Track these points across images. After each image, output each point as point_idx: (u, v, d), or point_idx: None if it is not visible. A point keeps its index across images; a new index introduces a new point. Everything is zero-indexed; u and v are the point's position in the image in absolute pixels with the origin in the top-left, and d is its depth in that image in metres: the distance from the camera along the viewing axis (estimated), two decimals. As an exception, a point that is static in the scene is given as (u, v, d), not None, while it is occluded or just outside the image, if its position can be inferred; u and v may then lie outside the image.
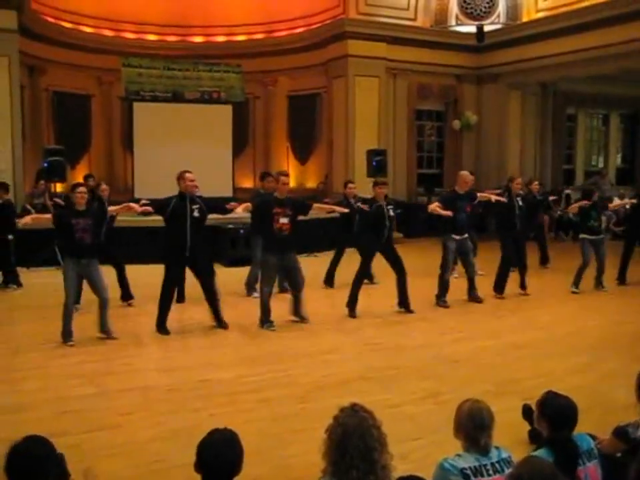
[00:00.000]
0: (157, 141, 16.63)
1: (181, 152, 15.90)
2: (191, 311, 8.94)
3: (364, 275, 9.11)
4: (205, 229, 8.90)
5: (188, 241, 7.77)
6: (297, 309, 8.37)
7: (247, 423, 4.81)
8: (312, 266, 11.76)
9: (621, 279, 10.80)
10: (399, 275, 8.88)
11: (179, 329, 8.00)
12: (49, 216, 8.05)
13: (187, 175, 7.86)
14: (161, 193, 8.12)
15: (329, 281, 10.74)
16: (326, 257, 11.55)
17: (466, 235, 9.42)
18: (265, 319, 8.10)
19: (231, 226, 12.75)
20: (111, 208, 8.21)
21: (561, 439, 3.20)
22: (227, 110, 17.75)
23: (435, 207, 9.29)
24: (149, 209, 7.80)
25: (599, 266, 10.29)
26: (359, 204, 9.44)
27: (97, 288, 7.44)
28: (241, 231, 12.48)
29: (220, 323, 8.04)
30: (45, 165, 12.81)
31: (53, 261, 11.52)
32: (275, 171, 11.81)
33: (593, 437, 3.84)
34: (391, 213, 8.83)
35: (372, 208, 8.78)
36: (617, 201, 12.74)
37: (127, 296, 9.32)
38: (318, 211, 9.30)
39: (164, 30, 18.88)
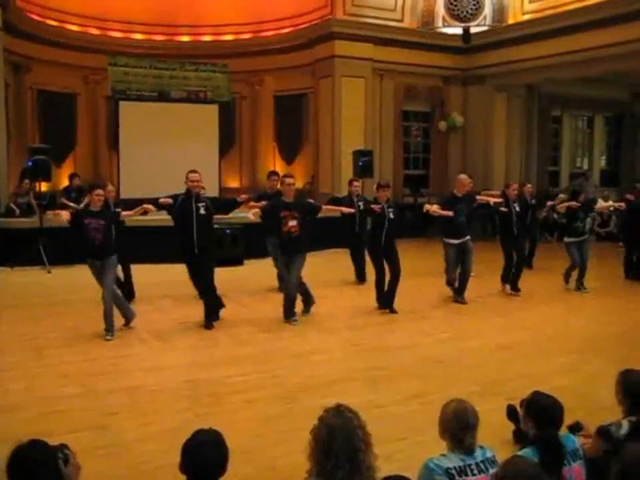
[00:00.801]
0: (143, 141, 16.56)
1: (167, 151, 15.87)
2: (178, 311, 8.93)
3: (377, 273, 9.17)
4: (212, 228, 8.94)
5: (195, 239, 7.86)
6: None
7: (233, 423, 4.82)
8: (308, 265, 11.79)
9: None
10: (394, 277, 8.95)
11: (165, 328, 7.98)
12: (66, 213, 8.01)
13: (190, 175, 7.99)
14: (147, 192, 8.11)
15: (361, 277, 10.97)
16: (327, 256, 11.58)
17: (467, 237, 9.51)
18: (293, 312, 8.33)
19: (216, 226, 12.69)
20: (125, 212, 8.16)
21: (546, 438, 3.24)
22: (214, 110, 17.69)
23: (435, 208, 9.35)
24: (169, 200, 7.90)
25: (581, 267, 10.38)
26: (360, 203, 9.51)
27: (103, 287, 7.57)
28: (227, 231, 12.46)
29: (208, 323, 8.04)
30: (30, 164, 12.73)
31: (37, 260, 11.49)
32: (265, 171, 11.84)
33: (580, 428, 3.89)
34: (392, 215, 8.90)
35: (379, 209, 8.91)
36: (602, 203, 12.83)
37: (129, 295, 9.25)
38: (327, 212, 9.37)
39: (151, 29, 18.78)
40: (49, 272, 11.50)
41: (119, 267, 8.70)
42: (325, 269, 10.83)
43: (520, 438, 4.40)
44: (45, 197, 13.40)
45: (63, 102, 17.98)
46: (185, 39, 19.22)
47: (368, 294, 9.37)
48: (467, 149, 18.93)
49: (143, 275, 9.77)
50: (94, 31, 18.10)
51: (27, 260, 11.59)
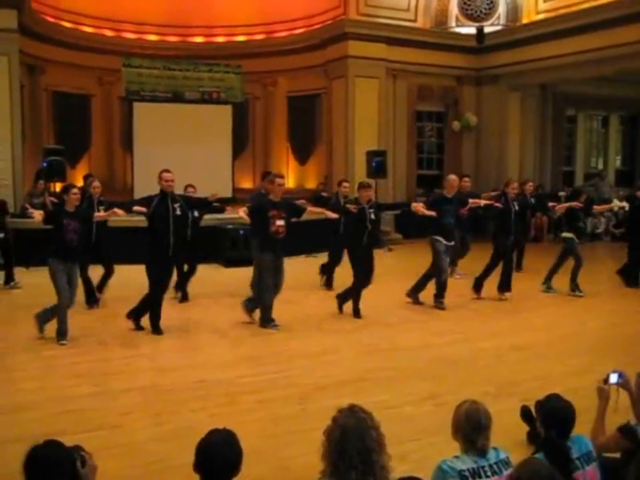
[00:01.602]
0: (156, 141, 16.62)
1: (181, 152, 15.91)
2: (190, 310, 8.96)
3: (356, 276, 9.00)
4: (197, 228, 8.89)
5: (171, 240, 7.73)
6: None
7: (246, 423, 4.82)
8: (307, 267, 11.79)
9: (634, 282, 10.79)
10: (364, 280, 8.73)
11: (178, 328, 8.00)
12: (39, 212, 7.98)
13: (164, 174, 7.84)
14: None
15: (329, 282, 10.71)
16: (321, 259, 11.56)
17: (452, 242, 9.42)
18: (268, 319, 8.13)
19: (230, 226, 12.76)
20: (96, 215, 8.21)
21: (552, 442, 3.20)
22: (227, 110, 17.74)
23: (418, 207, 9.13)
24: (143, 209, 7.75)
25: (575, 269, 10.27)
26: (347, 205, 9.40)
27: (72, 290, 7.45)
28: (241, 232, 12.49)
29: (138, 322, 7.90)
30: (45, 164, 12.81)
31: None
32: (274, 171, 11.77)
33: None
34: (373, 216, 8.75)
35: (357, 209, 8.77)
36: (617, 203, 12.70)
37: (95, 297, 9.16)
38: (311, 214, 9.24)
39: (164, 30, 18.88)
40: None
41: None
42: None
43: (534, 439, 4.37)
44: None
45: (77, 103, 18.12)
46: (198, 40, 19.29)
47: (377, 295, 9.27)
48: (481, 149, 18.85)
49: (143, 274, 9.79)
50: (108, 33, 18.22)
51: (42, 260, 11.63)
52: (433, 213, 9.02)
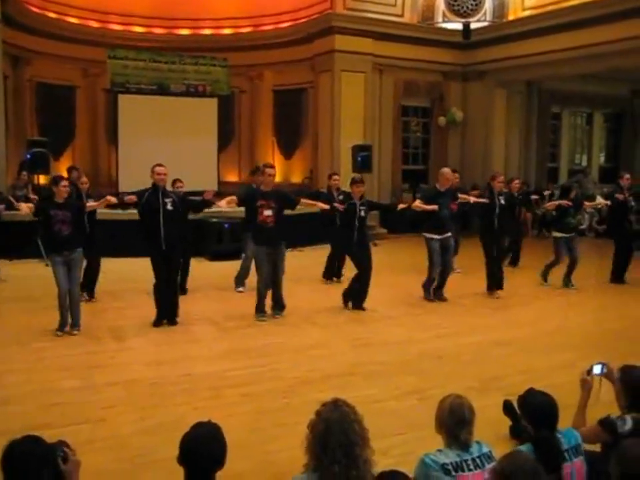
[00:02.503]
0: (141, 134, 16.56)
1: (166, 145, 15.86)
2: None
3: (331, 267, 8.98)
4: (186, 223, 8.88)
5: (162, 234, 7.72)
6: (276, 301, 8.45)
7: (231, 417, 4.82)
8: (296, 260, 11.81)
9: (618, 278, 10.83)
10: (364, 275, 8.75)
11: (163, 323, 7.97)
12: (31, 205, 7.98)
13: (157, 168, 7.84)
14: (145, 185, 8.07)
15: (329, 275, 10.73)
16: (310, 252, 11.58)
17: (448, 234, 9.39)
18: (258, 308, 8.20)
19: (215, 220, 12.73)
20: (89, 204, 8.19)
21: (542, 438, 3.23)
22: (213, 103, 17.71)
23: (417, 203, 9.25)
24: (134, 198, 7.76)
25: (571, 263, 10.33)
26: (340, 197, 9.40)
27: (70, 280, 7.42)
28: (226, 225, 12.47)
29: (171, 320, 7.94)
30: (28, 156, 12.72)
31: (36, 253, 11.46)
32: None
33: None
34: (363, 213, 8.76)
35: (345, 206, 8.79)
36: (600, 200, 12.77)
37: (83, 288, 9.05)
38: (303, 206, 9.26)
39: (150, 22, 18.77)
40: (47, 265, 11.44)
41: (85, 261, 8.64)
42: (319, 264, 10.82)
43: (516, 433, 4.41)
44: (44, 189, 13.37)
45: (61, 95, 17.98)
46: (185, 32, 19.20)
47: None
48: (466, 145, 18.92)
49: (142, 268, 9.77)
50: (93, 24, 18.09)
51: (25, 253, 11.57)
52: (435, 207, 9.04)
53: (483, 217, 10.00)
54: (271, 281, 8.31)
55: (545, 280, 10.50)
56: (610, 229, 12.35)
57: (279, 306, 8.38)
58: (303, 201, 9.16)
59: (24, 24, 15.94)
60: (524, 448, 3.17)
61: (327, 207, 9.03)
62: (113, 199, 7.99)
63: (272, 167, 8.66)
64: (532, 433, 3.31)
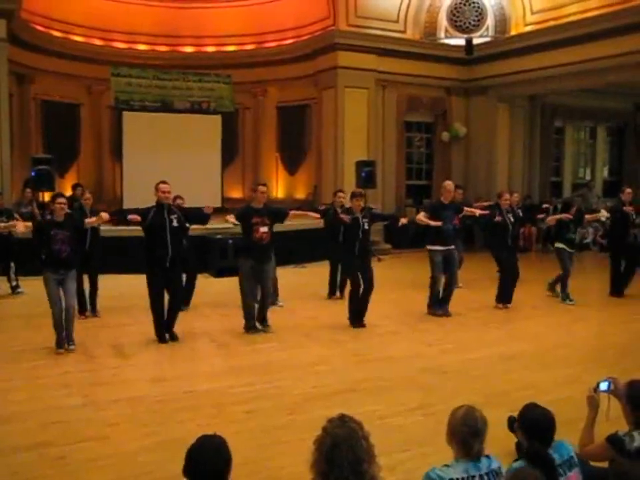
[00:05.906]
0: (146, 151, 16.61)
1: (170, 162, 15.88)
2: (180, 321, 8.89)
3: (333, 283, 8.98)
4: (191, 239, 8.89)
5: (169, 252, 7.71)
6: (262, 316, 8.47)
7: (236, 434, 4.77)
8: (298, 276, 11.79)
9: (618, 292, 10.78)
10: (366, 290, 8.72)
11: (167, 339, 7.95)
12: (29, 224, 7.98)
13: (161, 185, 7.85)
14: (149, 203, 8.08)
15: (332, 291, 10.72)
16: (312, 268, 11.56)
17: (452, 246, 9.41)
18: (247, 325, 8.23)
19: (219, 236, 12.74)
20: (88, 220, 8.18)
21: (535, 452, 3.18)
22: (217, 120, 17.77)
23: (421, 217, 9.29)
24: (138, 218, 7.73)
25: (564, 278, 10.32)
26: (340, 215, 9.40)
27: (67, 296, 7.40)
28: (230, 241, 12.46)
29: (171, 335, 7.92)
30: (33, 174, 12.74)
31: (40, 269, 11.44)
32: (267, 182, 11.85)
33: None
34: (366, 226, 8.76)
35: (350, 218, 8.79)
36: (604, 213, 12.73)
37: (84, 308, 9.14)
38: (294, 218, 9.30)
39: (154, 40, 18.88)
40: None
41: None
42: (321, 280, 10.80)
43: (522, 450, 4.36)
44: (48, 207, 13.40)
45: (66, 112, 18.04)
46: (188, 49, 19.30)
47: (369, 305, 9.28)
48: (470, 160, 18.92)
49: (138, 283, 9.77)
50: (97, 42, 18.19)
51: (28, 269, 11.55)
52: (438, 223, 9.07)
53: (494, 234, 10.04)
54: (261, 294, 8.45)
55: (554, 290, 10.49)
56: (609, 242, 12.33)
57: (265, 319, 8.46)
58: (293, 212, 9.19)
59: (29, 42, 16.04)
60: (517, 465, 3.11)
61: (317, 215, 9.13)
62: (106, 216, 8.07)
63: (264, 184, 8.89)
64: (525, 448, 3.27)
